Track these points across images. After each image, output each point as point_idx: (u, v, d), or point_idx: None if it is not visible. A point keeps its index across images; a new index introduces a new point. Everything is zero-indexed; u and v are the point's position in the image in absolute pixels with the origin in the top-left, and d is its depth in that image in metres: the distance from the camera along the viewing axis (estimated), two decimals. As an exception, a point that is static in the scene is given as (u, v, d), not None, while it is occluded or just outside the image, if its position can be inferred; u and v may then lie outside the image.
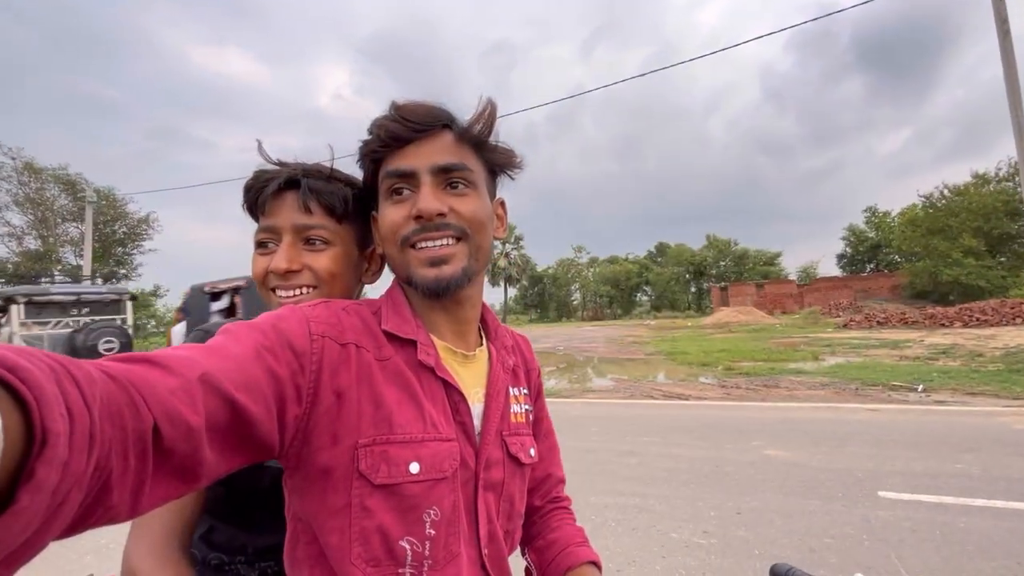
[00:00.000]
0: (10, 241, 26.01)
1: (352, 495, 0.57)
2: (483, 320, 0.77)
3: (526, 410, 0.78)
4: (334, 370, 0.57)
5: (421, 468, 0.59)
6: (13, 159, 25.02)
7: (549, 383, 10.37)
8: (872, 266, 45.80)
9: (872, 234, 45.83)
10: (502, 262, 55.51)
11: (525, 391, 0.80)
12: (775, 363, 11.13)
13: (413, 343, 0.65)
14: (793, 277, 47.40)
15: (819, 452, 4.60)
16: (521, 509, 0.75)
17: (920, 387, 7.45)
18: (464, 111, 0.68)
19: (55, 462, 0.28)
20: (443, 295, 0.65)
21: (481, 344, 0.75)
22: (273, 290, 0.80)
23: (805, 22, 14.68)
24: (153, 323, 27.62)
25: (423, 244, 0.64)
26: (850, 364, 10.29)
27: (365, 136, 0.68)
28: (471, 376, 0.70)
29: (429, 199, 0.63)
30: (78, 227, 26.00)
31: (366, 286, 0.92)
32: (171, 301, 30.76)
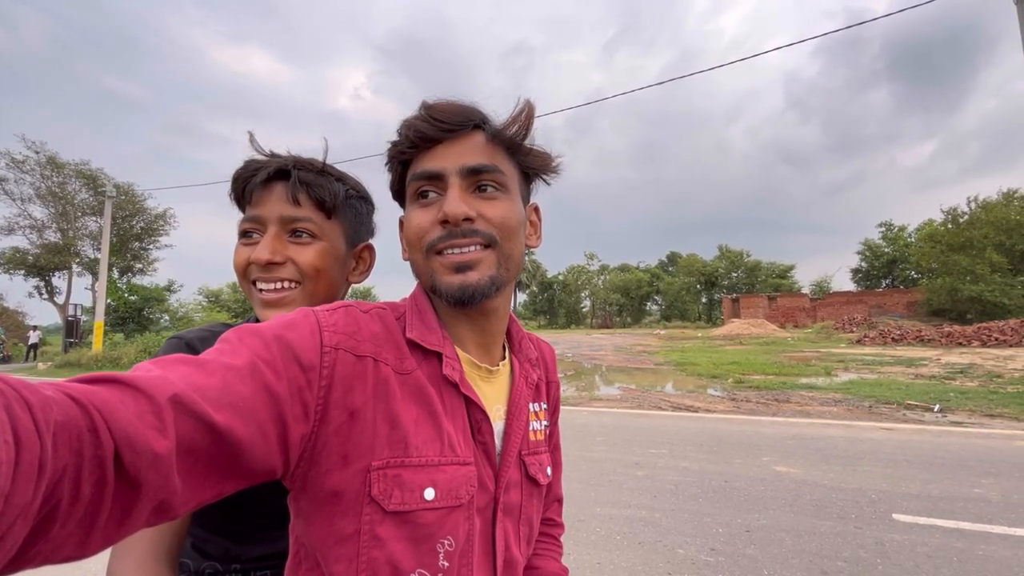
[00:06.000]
0: (31, 233, 26.55)
1: (362, 522, 0.53)
2: (507, 331, 0.73)
3: (544, 426, 0.74)
4: (348, 386, 0.53)
5: (437, 494, 0.55)
6: (36, 153, 25.56)
7: (556, 390, 10.27)
8: (888, 282, 45.15)
9: (888, 249, 45.18)
10: (512, 267, 55.44)
11: (544, 406, 0.76)
12: (786, 377, 10.94)
13: (438, 355, 0.61)
14: (806, 291, 46.85)
15: (831, 470, 4.49)
16: (537, 531, 0.72)
17: (937, 407, 7.26)
18: (486, 111, 0.64)
19: None
20: (468, 304, 0.60)
21: (504, 358, 0.71)
22: (254, 283, 0.78)
23: (836, 31, 14.51)
24: (167, 318, 27.94)
25: (449, 251, 0.60)
26: (864, 381, 10.07)
27: (381, 132, 0.66)
28: (493, 392, 0.67)
29: (456, 202, 0.59)
30: (97, 221, 26.47)
31: (353, 285, 0.90)
32: (184, 296, 31.10)
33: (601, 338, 31.21)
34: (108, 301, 21.94)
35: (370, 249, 0.91)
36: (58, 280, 28.46)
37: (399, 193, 0.68)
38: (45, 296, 28.38)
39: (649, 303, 62.53)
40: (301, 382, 0.50)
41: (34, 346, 24.93)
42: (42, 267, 27.04)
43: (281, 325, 0.53)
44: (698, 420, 6.99)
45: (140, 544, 0.67)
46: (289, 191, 0.77)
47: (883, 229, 46.32)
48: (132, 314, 24.98)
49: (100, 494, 0.34)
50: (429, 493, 0.55)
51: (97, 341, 18.44)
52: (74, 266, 28.17)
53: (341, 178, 0.83)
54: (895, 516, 3.46)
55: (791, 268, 53.84)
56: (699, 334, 31.35)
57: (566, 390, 10.15)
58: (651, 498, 3.93)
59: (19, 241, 26.48)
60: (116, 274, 27.80)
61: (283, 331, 0.52)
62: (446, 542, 0.55)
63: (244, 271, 0.78)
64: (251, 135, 0.83)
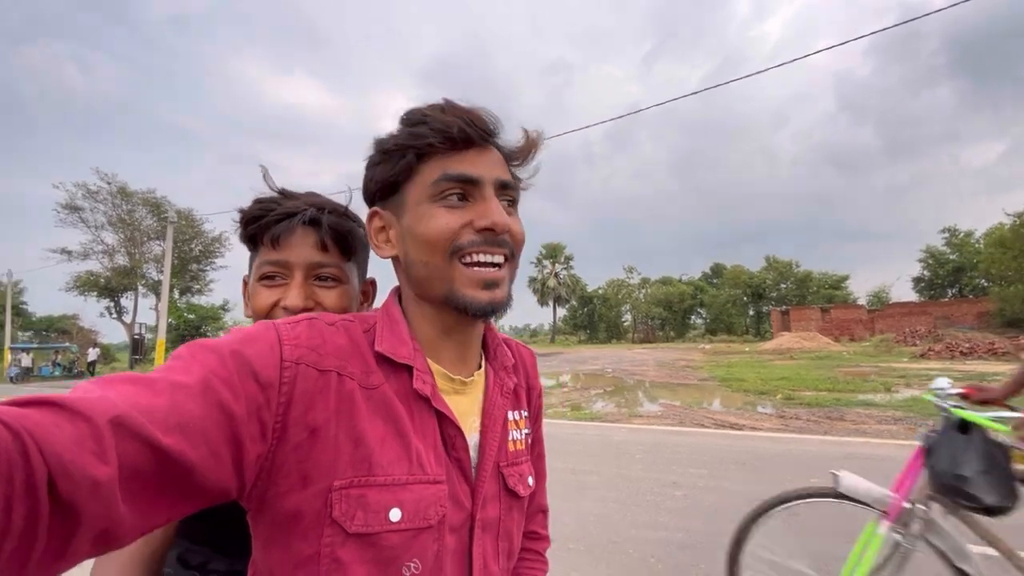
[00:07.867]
0: (103, 258, 28.80)
1: (322, 544, 0.50)
2: (483, 338, 0.71)
3: (525, 435, 0.72)
4: (308, 403, 0.51)
5: (403, 515, 0.53)
6: (108, 184, 27.86)
7: (596, 406, 10.15)
8: (954, 291, 42.20)
9: (953, 256, 42.30)
10: (551, 282, 55.43)
11: (525, 414, 0.74)
12: (841, 394, 10.30)
13: (408, 369, 0.59)
14: (863, 302, 44.41)
15: (889, 494, 4.17)
16: (519, 544, 0.69)
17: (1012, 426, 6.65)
18: (515, 127, 0.66)
19: None
20: (487, 317, 0.61)
21: (480, 367, 0.69)
22: None
23: (889, 27, 13.80)
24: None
25: (479, 256, 0.58)
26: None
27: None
28: (467, 404, 0.65)
29: (501, 212, 0.59)
30: (160, 244, 28.37)
31: None
32: (237, 315, 32.72)
33: (643, 353, 30.53)
34: (169, 320, 23.39)
35: (373, 283, 0.94)
36: (126, 301, 30.71)
37: (394, 185, 0.62)
38: (114, 316, 30.65)
39: (693, 317, 60.85)
40: (259, 400, 0.48)
41: (93, 362, 26.99)
42: (112, 289, 29.27)
43: (239, 340, 0.51)
44: (742, 438, 6.67)
45: (122, 554, 0.67)
46: (318, 237, 0.78)
47: (947, 235, 43.52)
48: (191, 332, 26.61)
49: (33, 525, 0.32)
50: (395, 514, 0.52)
51: (159, 358, 19.60)
52: (139, 287, 30.27)
53: (356, 220, 0.84)
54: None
55: (845, 278, 51.31)
56: (746, 348, 30.17)
57: (606, 406, 9.96)
58: (689, 520, 3.76)
59: (93, 265, 28.85)
60: (177, 294, 29.64)
61: (241, 346, 0.50)
62: (412, 565, 0.53)
63: (267, 314, 0.79)
64: (265, 171, 0.83)
